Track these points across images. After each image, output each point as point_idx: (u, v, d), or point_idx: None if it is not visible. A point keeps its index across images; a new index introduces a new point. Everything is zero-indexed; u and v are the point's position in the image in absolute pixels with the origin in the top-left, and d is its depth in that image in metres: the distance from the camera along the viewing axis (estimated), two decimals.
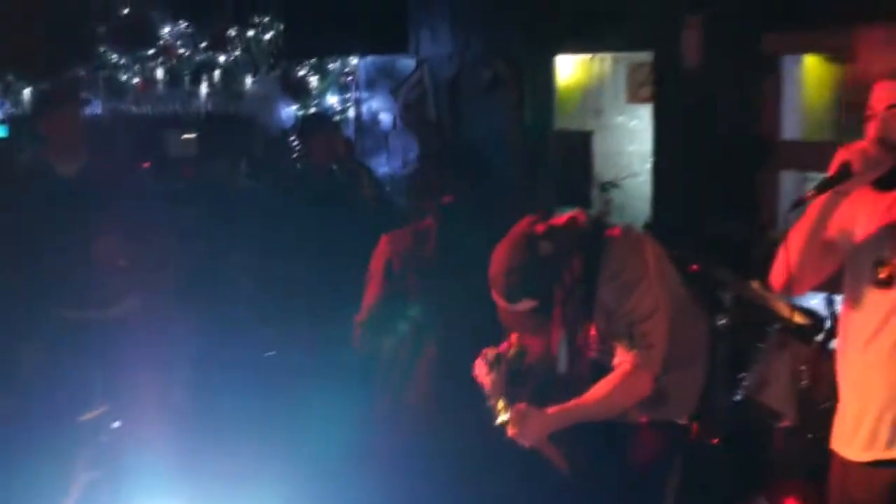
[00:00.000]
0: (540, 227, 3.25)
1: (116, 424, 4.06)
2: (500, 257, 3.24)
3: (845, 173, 2.60)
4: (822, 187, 2.64)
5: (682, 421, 3.46)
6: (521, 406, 3.18)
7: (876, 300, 2.72)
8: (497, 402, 3.21)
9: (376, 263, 4.07)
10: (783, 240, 2.85)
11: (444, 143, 6.82)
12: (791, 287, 2.89)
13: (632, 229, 3.50)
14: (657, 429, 3.43)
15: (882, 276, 2.70)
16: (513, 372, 3.32)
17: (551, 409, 3.18)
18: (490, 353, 3.33)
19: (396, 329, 4.00)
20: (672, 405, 3.41)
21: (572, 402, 3.20)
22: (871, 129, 2.67)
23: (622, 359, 3.19)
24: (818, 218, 2.74)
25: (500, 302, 3.24)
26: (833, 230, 2.84)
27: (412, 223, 4.08)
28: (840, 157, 2.62)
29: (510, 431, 3.16)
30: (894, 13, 4.50)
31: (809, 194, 2.68)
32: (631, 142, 6.94)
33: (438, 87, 7.02)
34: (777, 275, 2.87)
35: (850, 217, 2.84)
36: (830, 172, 2.62)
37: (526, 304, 3.21)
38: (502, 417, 3.17)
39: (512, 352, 3.36)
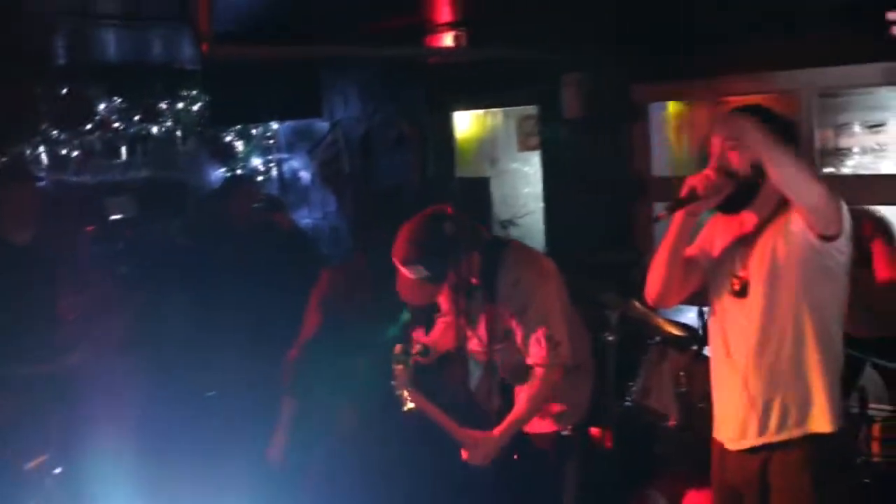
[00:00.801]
0: (450, 210, 3.31)
1: (58, 471, 3.98)
2: (407, 227, 3.28)
3: (692, 196, 2.75)
4: (673, 207, 2.79)
5: (567, 431, 3.49)
6: (475, 434, 3.23)
7: (733, 309, 2.84)
8: (403, 391, 3.23)
9: (315, 298, 4.04)
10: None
11: (368, 193, 6.84)
12: (662, 300, 3.00)
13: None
14: (545, 439, 3.46)
15: (736, 287, 2.82)
16: (418, 366, 3.34)
17: (496, 431, 3.26)
18: (398, 347, 3.34)
19: (333, 359, 3.98)
20: (557, 416, 3.45)
21: (509, 419, 3.29)
22: (713, 160, 2.81)
23: (534, 360, 3.24)
24: (676, 237, 2.87)
25: (399, 268, 3.25)
26: (695, 250, 2.96)
27: (346, 261, 4.07)
28: (688, 182, 2.76)
29: (464, 455, 3.21)
30: (736, 67, 4.71)
31: (663, 213, 2.81)
32: (525, 185, 7.02)
33: (351, 145, 7.06)
34: (650, 290, 2.98)
35: (709, 239, 2.97)
36: (681, 195, 2.76)
37: (419, 271, 3.23)
38: (408, 405, 3.19)
39: (418, 347, 3.38)
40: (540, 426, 3.44)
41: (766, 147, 2.60)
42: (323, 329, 4.03)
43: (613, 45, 5.31)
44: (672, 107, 5.55)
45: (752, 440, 2.82)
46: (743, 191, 2.78)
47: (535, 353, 3.25)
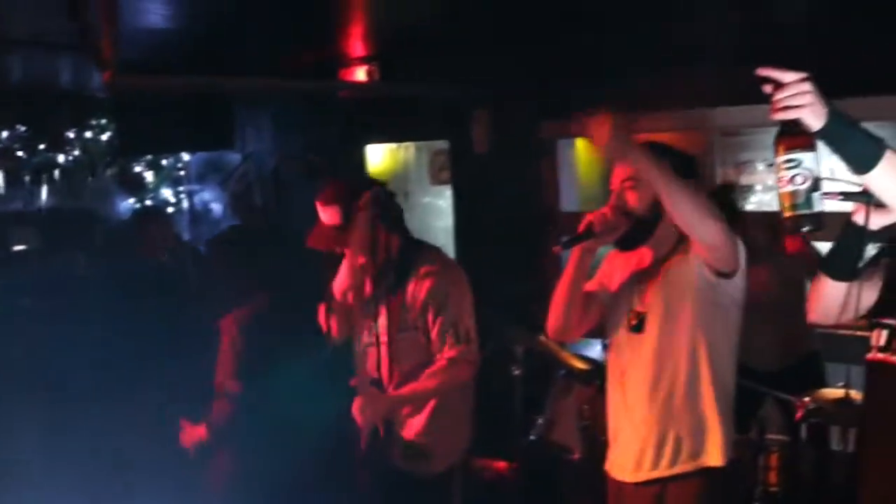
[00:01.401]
0: (384, 185, 3.35)
1: None
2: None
3: (588, 233, 2.77)
4: (570, 242, 2.81)
5: (444, 470, 3.42)
6: (370, 390, 3.19)
7: (630, 343, 2.86)
8: None
9: (225, 340, 3.90)
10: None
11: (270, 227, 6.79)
12: (562, 334, 3.02)
13: None
14: (424, 477, 3.41)
15: (633, 322, 2.85)
16: None
17: (392, 393, 3.23)
18: None
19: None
20: (436, 457, 3.41)
21: (407, 389, 3.25)
22: (612, 198, 2.84)
23: (448, 353, 3.24)
24: (574, 272, 2.89)
25: (319, 210, 3.30)
26: (594, 285, 2.99)
27: (250, 301, 3.93)
28: (585, 220, 2.78)
29: (355, 407, 3.17)
30: (643, 105, 4.78)
31: (558, 248, 2.83)
32: (437, 218, 7.04)
33: (263, 177, 7.02)
34: (550, 325, 2.99)
35: (607, 273, 3.00)
36: (578, 231, 2.78)
37: (334, 215, 3.26)
38: None
39: None
40: (418, 466, 3.39)
41: (662, 179, 2.59)
42: (257, 362, 3.85)
43: (523, 81, 5.38)
44: (580, 143, 5.62)
45: (646, 473, 2.84)
46: (640, 229, 2.81)
47: (449, 346, 3.25)
